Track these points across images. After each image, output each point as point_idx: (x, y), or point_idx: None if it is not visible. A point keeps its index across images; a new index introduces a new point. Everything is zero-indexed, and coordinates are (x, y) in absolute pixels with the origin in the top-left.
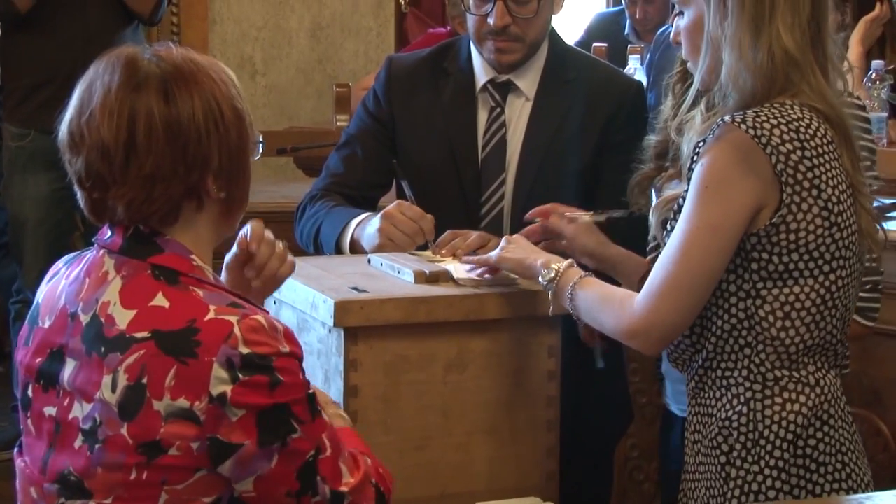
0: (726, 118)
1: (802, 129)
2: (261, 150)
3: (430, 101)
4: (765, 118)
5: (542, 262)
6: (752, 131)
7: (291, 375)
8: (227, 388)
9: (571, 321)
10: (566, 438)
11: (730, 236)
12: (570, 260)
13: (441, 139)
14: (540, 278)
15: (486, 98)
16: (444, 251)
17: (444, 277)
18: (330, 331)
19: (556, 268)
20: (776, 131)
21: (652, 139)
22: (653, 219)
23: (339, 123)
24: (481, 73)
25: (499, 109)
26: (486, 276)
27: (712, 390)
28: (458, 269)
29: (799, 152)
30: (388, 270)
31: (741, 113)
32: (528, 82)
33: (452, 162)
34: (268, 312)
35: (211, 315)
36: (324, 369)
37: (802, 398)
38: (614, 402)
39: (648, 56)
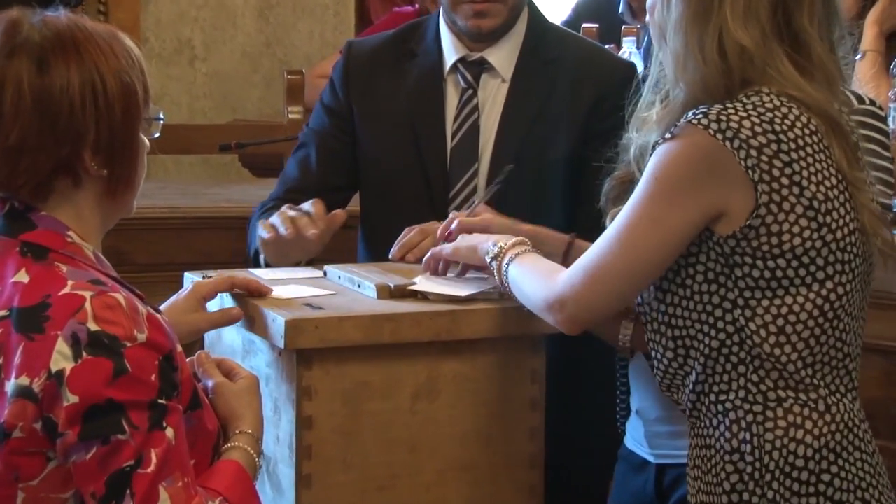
0: (689, 116)
1: (778, 121)
2: (160, 125)
3: (393, 87)
4: (732, 111)
5: (492, 241)
6: (713, 128)
7: (142, 371)
8: (68, 366)
9: (556, 342)
10: (550, 474)
11: (672, 234)
12: (520, 238)
13: (404, 127)
14: (485, 257)
15: (456, 79)
16: (409, 256)
17: (411, 291)
18: (280, 354)
19: (502, 245)
20: (746, 123)
21: (628, 139)
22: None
23: (290, 116)
24: (451, 51)
25: (471, 91)
26: (450, 273)
27: (707, 418)
28: (426, 282)
29: (774, 146)
30: (347, 284)
31: (703, 109)
32: (503, 61)
33: (416, 152)
34: (143, 298)
35: (66, 290)
36: (273, 398)
37: (809, 424)
38: (604, 431)
39: (645, 38)
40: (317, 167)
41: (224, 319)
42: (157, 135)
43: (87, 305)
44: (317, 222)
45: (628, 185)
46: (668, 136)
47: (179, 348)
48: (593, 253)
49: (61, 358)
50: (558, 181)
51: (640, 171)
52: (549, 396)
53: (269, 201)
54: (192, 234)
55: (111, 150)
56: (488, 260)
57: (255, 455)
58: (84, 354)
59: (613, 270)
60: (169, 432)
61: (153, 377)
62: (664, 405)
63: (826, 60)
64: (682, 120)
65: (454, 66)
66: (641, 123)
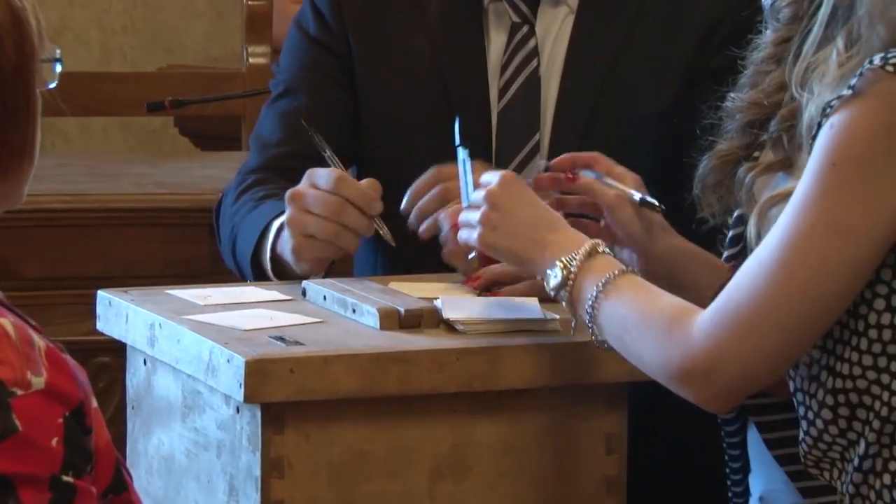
0: (874, 60)
1: None
2: (58, 71)
3: (408, 21)
4: None
5: (549, 253)
6: None
7: (40, 431)
8: None
9: (642, 393)
10: None
11: (867, 245)
12: (593, 242)
13: (427, 80)
14: (545, 283)
15: (500, 9)
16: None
17: (430, 318)
18: (238, 410)
19: (566, 263)
20: None
21: (739, 98)
22: (752, 228)
23: (252, 60)
24: None
25: (526, 28)
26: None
27: None
28: (452, 303)
29: None
30: (336, 307)
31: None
32: None
33: (447, 117)
34: (40, 331)
35: None
36: (227, 474)
37: None
38: None
39: None
40: (316, 121)
41: None
42: (52, 84)
43: None
44: (371, 206)
45: (733, 167)
46: (846, 89)
47: (94, 403)
48: (743, 288)
49: None
50: (651, 146)
51: (811, 143)
52: (632, 473)
53: (245, 175)
54: (106, 235)
55: (2, 109)
56: (550, 291)
57: None
58: None
59: (776, 313)
60: None
61: (55, 441)
62: (804, 488)
63: None
64: (863, 69)
65: None
66: (809, 72)
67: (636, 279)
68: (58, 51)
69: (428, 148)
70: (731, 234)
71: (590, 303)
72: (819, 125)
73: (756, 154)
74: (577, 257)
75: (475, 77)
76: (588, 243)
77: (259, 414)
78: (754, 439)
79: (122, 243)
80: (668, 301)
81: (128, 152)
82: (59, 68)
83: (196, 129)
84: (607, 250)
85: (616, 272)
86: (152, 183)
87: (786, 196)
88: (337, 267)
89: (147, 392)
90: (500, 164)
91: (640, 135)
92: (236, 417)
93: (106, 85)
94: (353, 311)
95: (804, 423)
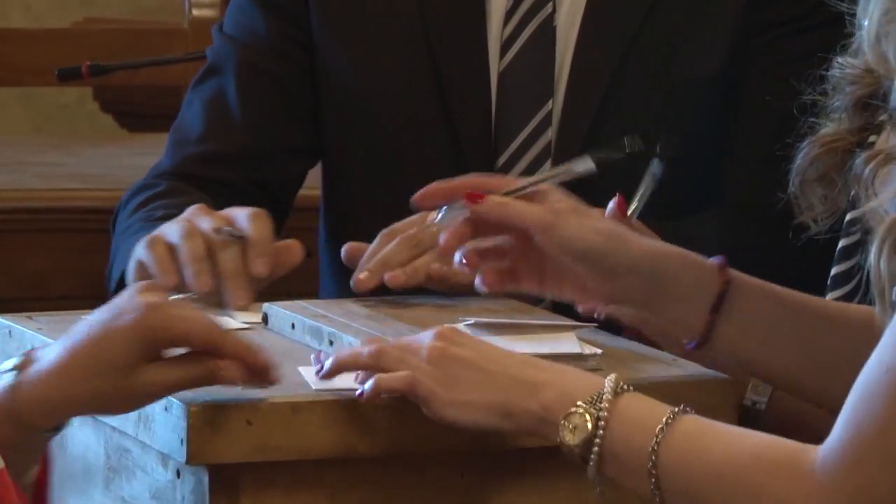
0: None
1: None
2: None
3: None
4: None
5: (547, 397)
6: None
7: None
8: None
9: None
10: None
11: None
12: (610, 377)
13: (409, 38)
14: (560, 440)
15: None
16: (363, 275)
17: None
18: (178, 473)
19: (588, 407)
20: None
21: (849, 65)
22: (874, 261)
23: (196, 12)
24: None
25: None
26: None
27: None
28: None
29: None
30: (308, 338)
31: None
32: None
33: (434, 84)
34: None
35: None
36: None
37: None
38: None
39: None
40: (242, 111)
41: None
42: None
43: None
44: (255, 262)
45: (843, 156)
46: None
47: (1, 462)
48: (878, 402)
49: None
50: (687, 125)
51: None
52: None
53: (154, 180)
54: (5, 244)
55: None
56: (573, 446)
57: None
58: None
59: None
60: None
61: None
62: None
63: None
64: None
65: None
66: (887, 23)
67: (698, 420)
68: None
69: (406, 121)
70: (841, 244)
71: (649, 467)
72: None
73: (872, 139)
74: (605, 398)
75: (470, 32)
76: (609, 380)
77: (206, 479)
78: None
79: (26, 255)
80: (759, 442)
81: (32, 134)
82: None
83: (122, 104)
84: (630, 387)
85: (668, 418)
86: (65, 175)
87: None
88: (299, 287)
89: (59, 450)
90: (499, 142)
91: (677, 105)
92: (176, 483)
93: (3, 45)
94: (331, 343)
95: None
